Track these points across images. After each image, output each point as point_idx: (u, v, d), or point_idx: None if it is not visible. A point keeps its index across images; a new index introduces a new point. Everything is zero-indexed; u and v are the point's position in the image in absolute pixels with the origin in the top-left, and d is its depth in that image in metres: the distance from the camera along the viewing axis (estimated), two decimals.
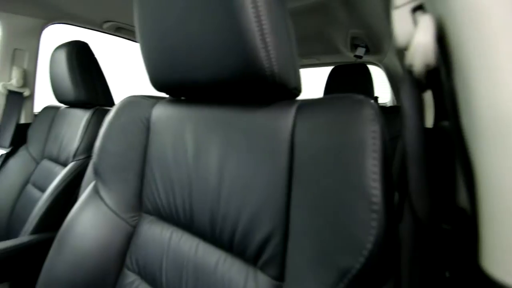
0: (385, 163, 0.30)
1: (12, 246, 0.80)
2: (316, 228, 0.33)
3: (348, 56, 1.70)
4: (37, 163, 1.15)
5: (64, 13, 1.21)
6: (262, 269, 0.39)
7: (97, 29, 1.40)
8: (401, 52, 1.27)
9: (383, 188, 0.29)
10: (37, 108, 1.34)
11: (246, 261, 0.41)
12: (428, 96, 0.29)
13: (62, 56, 1.04)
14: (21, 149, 1.20)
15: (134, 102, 0.57)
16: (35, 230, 0.88)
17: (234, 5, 0.35)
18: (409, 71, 0.26)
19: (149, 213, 0.54)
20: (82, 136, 0.99)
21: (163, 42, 0.43)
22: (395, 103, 1.93)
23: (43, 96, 1.37)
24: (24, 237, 0.85)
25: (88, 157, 0.97)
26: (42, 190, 1.02)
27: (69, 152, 1.01)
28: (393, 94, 1.93)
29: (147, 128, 0.55)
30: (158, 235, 0.50)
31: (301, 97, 0.44)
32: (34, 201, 0.98)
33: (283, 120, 0.39)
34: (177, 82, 0.46)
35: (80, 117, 1.04)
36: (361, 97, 0.34)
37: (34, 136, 1.20)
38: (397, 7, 0.27)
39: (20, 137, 1.21)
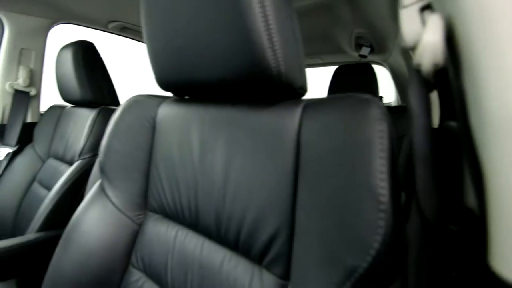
0: (392, 163, 0.30)
1: (19, 243, 0.81)
2: (322, 227, 0.33)
3: (352, 56, 1.69)
4: (43, 161, 1.16)
5: (70, 13, 1.22)
6: (268, 268, 0.39)
7: (103, 29, 1.41)
8: (406, 52, 1.27)
9: (391, 188, 0.29)
10: (43, 107, 1.36)
11: (251, 260, 0.41)
12: (433, 96, 0.29)
13: (68, 55, 1.05)
14: (27, 147, 1.21)
15: (140, 101, 0.58)
16: (41, 228, 0.88)
17: (242, 5, 0.35)
18: (417, 70, 0.26)
19: (154, 211, 0.54)
20: (88, 135, 1.00)
21: (170, 42, 0.44)
22: (400, 103, 1.92)
23: (49, 96, 1.39)
24: (30, 235, 0.86)
25: (94, 156, 0.98)
26: (48, 188, 1.03)
27: (75, 151, 1.02)
28: (398, 94, 1.92)
29: (153, 127, 0.55)
30: (163, 234, 0.51)
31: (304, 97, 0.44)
32: (40, 199, 0.99)
33: (289, 119, 0.39)
34: (183, 81, 0.46)
35: (86, 116, 1.05)
36: (368, 96, 0.34)
37: (40, 135, 1.21)
38: (405, 7, 0.27)
39: (26, 136, 1.23)
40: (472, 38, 0.21)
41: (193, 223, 0.47)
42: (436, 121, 0.31)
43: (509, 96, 0.19)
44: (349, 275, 0.30)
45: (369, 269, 0.29)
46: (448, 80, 0.26)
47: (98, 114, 1.02)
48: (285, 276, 0.37)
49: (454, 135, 0.28)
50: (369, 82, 1.49)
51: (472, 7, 0.21)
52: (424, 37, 0.24)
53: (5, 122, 1.25)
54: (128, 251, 0.54)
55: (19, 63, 1.23)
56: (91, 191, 0.58)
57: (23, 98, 1.26)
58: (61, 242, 0.54)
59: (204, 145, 0.47)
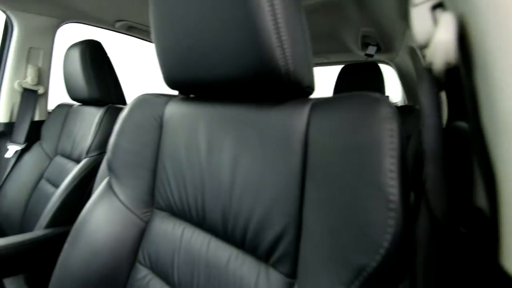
0: (402, 162, 0.30)
1: (27, 239, 0.82)
2: (330, 226, 0.33)
3: (358, 55, 1.68)
4: (51, 159, 1.17)
5: (78, 13, 1.24)
6: (274, 266, 0.39)
7: (110, 28, 1.42)
8: (413, 51, 1.26)
9: (400, 187, 0.29)
10: (51, 105, 1.37)
11: (258, 258, 0.41)
12: (442, 96, 0.29)
13: (76, 54, 1.06)
14: (35, 145, 1.22)
15: (147, 100, 0.58)
16: (49, 225, 0.90)
17: (251, 4, 0.35)
18: (428, 69, 0.26)
19: (161, 209, 0.54)
20: (95, 133, 1.01)
21: (178, 41, 0.44)
22: (406, 103, 1.90)
23: (56, 94, 1.40)
24: (38, 231, 0.87)
25: (101, 153, 0.99)
26: (55, 185, 1.04)
27: (82, 149, 1.03)
28: (404, 93, 1.90)
29: (160, 126, 0.56)
30: (170, 231, 0.51)
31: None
32: (48, 196, 1.01)
33: (297, 118, 0.39)
34: (191, 80, 0.47)
35: (93, 115, 1.06)
36: (377, 95, 0.34)
37: (47, 133, 1.23)
38: (416, 5, 0.27)
39: (34, 134, 1.24)
40: (486, 37, 0.21)
41: (200, 221, 0.48)
42: (444, 121, 0.31)
43: None
44: (357, 274, 0.30)
45: (378, 268, 0.28)
46: (457, 79, 0.25)
47: (105, 112, 1.03)
48: (292, 274, 0.37)
49: (462, 135, 0.28)
50: (376, 81, 1.47)
51: (487, 6, 0.20)
52: (436, 35, 0.24)
53: (13, 120, 1.26)
54: (135, 248, 0.54)
55: (28, 61, 1.25)
56: (99, 188, 0.58)
57: (31, 96, 1.27)
58: (69, 239, 0.54)
59: (211, 143, 0.47)
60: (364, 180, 0.30)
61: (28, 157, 1.20)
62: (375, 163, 0.30)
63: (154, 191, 0.55)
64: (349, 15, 1.15)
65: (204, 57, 0.42)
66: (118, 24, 1.36)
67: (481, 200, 0.25)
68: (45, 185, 1.11)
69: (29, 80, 1.24)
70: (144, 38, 1.56)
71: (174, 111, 0.55)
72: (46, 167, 1.16)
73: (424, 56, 0.28)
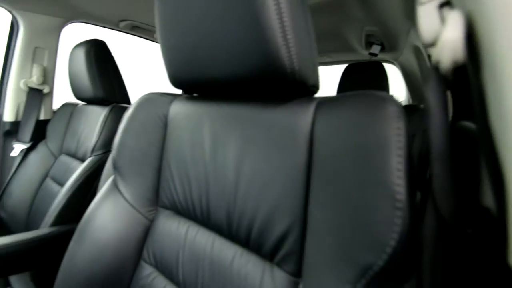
0: (409, 161, 0.30)
1: (33, 237, 0.83)
2: (336, 225, 0.33)
3: (362, 54, 1.67)
4: (56, 158, 1.18)
5: (82, 12, 1.24)
6: (279, 264, 0.39)
7: (114, 28, 1.43)
8: (418, 50, 1.25)
9: (407, 186, 0.29)
10: (56, 104, 1.38)
11: (262, 257, 0.41)
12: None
13: (81, 54, 1.07)
14: (40, 144, 1.24)
15: (152, 99, 0.59)
16: (55, 223, 0.90)
17: (256, 3, 0.35)
18: (435, 68, 0.26)
19: (165, 207, 0.55)
20: (100, 132, 1.01)
21: (184, 40, 0.44)
22: (410, 102, 1.89)
23: (61, 93, 1.41)
24: (44, 229, 0.88)
25: (105, 152, 0.99)
26: (60, 184, 1.05)
27: (87, 148, 1.03)
28: (408, 92, 1.89)
29: (165, 125, 0.56)
30: (174, 229, 0.51)
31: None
32: (53, 195, 1.02)
33: (302, 116, 0.39)
34: (197, 79, 0.47)
35: (98, 114, 1.07)
36: (383, 93, 0.34)
37: (53, 132, 1.24)
38: (423, 3, 0.27)
39: (39, 133, 1.25)
40: (495, 36, 0.21)
41: (204, 220, 0.48)
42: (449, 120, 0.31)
43: None
44: (364, 273, 0.30)
45: (385, 267, 0.28)
46: (464, 78, 0.25)
47: (110, 111, 1.04)
48: (297, 273, 0.37)
49: (468, 135, 0.27)
50: (379, 80, 1.47)
51: (495, 4, 0.20)
52: (444, 34, 0.24)
53: (19, 119, 1.27)
54: (140, 246, 0.54)
55: (33, 61, 1.26)
56: (104, 187, 0.59)
57: (37, 95, 1.29)
58: (75, 236, 0.55)
59: (216, 142, 0.47)
60: (371, 179, 0.30)
61: (33, 156, 1.21)
62: (382, 162, 0.30)
63: (159, 190, 0.56)
64: (353, 14, 1.15)
65: (210, 56, 0.42)
66: (122, 24, 1.37)
67: (488, 199, 0.25)
68: (50, 184, 1.12)
69: (35, 79, 1.25)
70: (148, 37, 1.57)
71: (179, 110, 0.55)
72: (51, 166, 1.17)
73: (429, 55, 0.28)
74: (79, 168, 0.97)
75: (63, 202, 0.92)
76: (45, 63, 1.29)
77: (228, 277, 0.42)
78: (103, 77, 1.08)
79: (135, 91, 1.23)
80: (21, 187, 1.15)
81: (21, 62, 1.23)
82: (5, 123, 1.26)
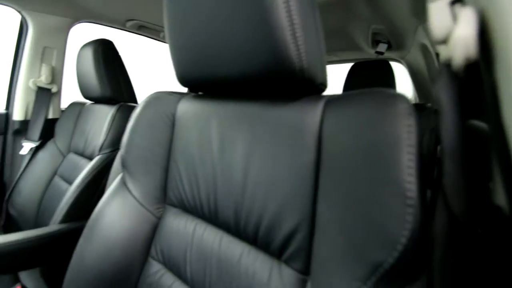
0: (420, 158, 0.30)
1: (43, 234, 0.84)
2: (345, 222, 0.33)
3: (369, 53, 1.66)
4: (64, 156, 1.20)
5: (90, 12, 1.26)
6: (287, 262, 0.39)
7: (121, 28, 1.44)
8: (425, 48, 1.24)
9: (418, 183, 0.29)
10: (64, 104, 1.40)
11: (270, 255, 0.41)
12: None
13: (89, 53, 1.08)
14: (49, 142, 1.25)
15: (160, 97, 0.59)
16: (64, 220, 0.92)
17: (266, 1, 0.35)
18: (447, 65, 0.26)
19: (173, 205, 0.55)
20: (108, 131, 1.02)
21: (192, 38, 0.44)
22: (417, 101, 1.87)
23: (69, 93, 1.43)
24: (53, 226, 0.90)
25: (113, 151, 1.00)
26: (69, 182, 1.07)
27: (95, 146, 1.05)
28: (416, 91, 1.87)
29: (173, 123, 0.57)
30: (182, 227, 0.52)
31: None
32: (61, 192, 1.03)
33: (311, 114, 0.39)
34: (205, 78, 0.47)
35: (106, 113, 1.08)
36: (393, 91, 0.34)
37: (61, 131, 1.25)
38: (434, 0, 0.27)
39: (48, 131, 1.27)
40: (509, 33, 0.20)
41: (212, 218, 0.48)
42: None
43: None
44: (374, 270, 0.29)
45: (396, 264, 0.28)
46: (476, 76, 0.25)
47: (117, 110, 1.05)
48: (305, 270, 0.37)
49: (479, 133, 0.27)
50: (386, 79, 1.46)
51: (509, 0, 0.20)
52: (456, 31, 0.24)
53: (28, 118, 1.30)
54: (148, 243, 0.55)
55: (42, 61, 1.27)
56: (112, 184, 0.59)
57: (45, 94, 1.30)
58: (84, 233, 0.55)
59: (224, 140, 0.47)
60: (382, 176, 0.30)
61: (42, 154, 1.23)
62: (393, 159, 0.30)
63: (167, 188, 0.56)
64: (360, 12, 1.14)
65: (219, 55, 0.42)
66: (129, 24, 1.38)
67: (500, 198, 0.25)
68: (58, 182, 1.14)
69: (43, 78, 1.27)
70: (155, 37, 1.58)
71: (187, 108, 0.55)
72: (60, 164, 1.19)
73: (437, 54, 0.28)
74: (87, 167, 0.99)
75: (71, 200, 0.93)
76: (53, 63, 1.31)
77: (235, 274, 0.42)
78: (111, 77, 1.09)
79: (142, 90, 1.24)
80: (30, 185, 1.17)
81: (30, 62, 1.25)
82: (14, 122, 1.28)
